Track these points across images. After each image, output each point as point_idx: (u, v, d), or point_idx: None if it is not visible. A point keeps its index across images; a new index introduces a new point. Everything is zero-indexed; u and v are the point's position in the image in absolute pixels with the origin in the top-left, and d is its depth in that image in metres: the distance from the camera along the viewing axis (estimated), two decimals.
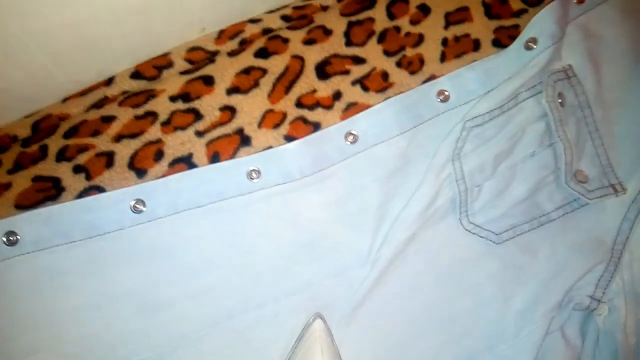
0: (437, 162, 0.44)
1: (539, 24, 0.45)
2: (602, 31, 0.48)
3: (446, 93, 0.45)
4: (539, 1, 0.49)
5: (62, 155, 0.41)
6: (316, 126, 0.44)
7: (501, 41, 0.48)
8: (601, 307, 0.44)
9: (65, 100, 0.43)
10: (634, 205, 0.45)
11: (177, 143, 0.42)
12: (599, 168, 0.46)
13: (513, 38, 0.46)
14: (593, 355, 0.46)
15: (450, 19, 0.48)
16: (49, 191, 0.40)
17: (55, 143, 0.41)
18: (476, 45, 0.47)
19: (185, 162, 0.42)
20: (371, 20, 0.47)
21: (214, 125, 0.43)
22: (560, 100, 0.46)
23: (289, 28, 0.46)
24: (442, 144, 0.44)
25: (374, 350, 0.43)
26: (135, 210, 0.38)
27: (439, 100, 0.45)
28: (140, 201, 0.39)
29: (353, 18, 0.47)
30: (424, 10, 0.48)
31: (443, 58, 0.47)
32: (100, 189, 0.40)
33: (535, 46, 0.45)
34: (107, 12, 0.38)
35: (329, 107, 0.44)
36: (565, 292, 0.44)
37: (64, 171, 0.40)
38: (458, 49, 0.47)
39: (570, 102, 0.46)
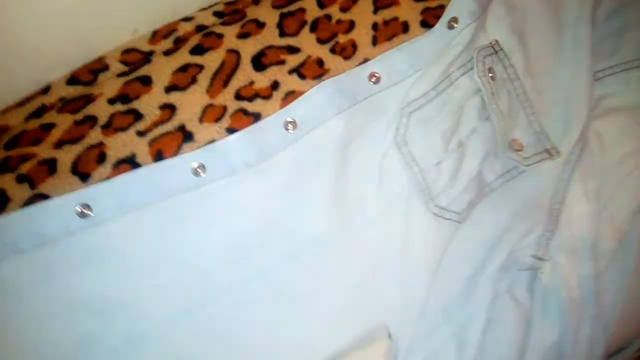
0: (382, 148, 0.46)
1: (459, 3, 0.47)
2: (526, 4, 0.51)
3: (377, 75, 0.46)
4: None
5: (5, 167, 0.41)
6: (257, 116, 0.45)
7: (428, 22, 0.49)
8: (545, 265, 0.46)
9: (3, 112, 0.43)
10: (567, 166, 0.48)
11: (119, 144, 0.42)
12: (533, 135, 0.49)
13: (439, 18, 0.48)
14: (541, 312, 0.49)
15: (378, 5, 0.49)
16: None
17: None
18: (405, 28, 0.49)
19: (129, 162, 0.42)
20: (302, 10, 0.48)
21: (155, 124, 0.43)
22: (491, 75, 0.48)
23: (222, 24, 0.47)
24: (382, 130, 0.46)
25: None
26: (81, 215, 0.39)
27: (371, 82, 0.46)
28: (86, 205, 0.39)
29: (285, 10, 0.48)
30: None
31: (375, 42, 0.48)
32: (45, 197, 0.40)
33: (456, 25, 0.47)
34: (31, 18, 0.38)
35: (267, 97, 0.45)
36: (507, 254, 0.46)
37: (7, 182, 0.40)
38: (388, 32, 0.49)
39: (500, 76, 0.49)
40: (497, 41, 0.49)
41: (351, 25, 0.48)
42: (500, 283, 0.48)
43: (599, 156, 0.48)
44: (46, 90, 0.44)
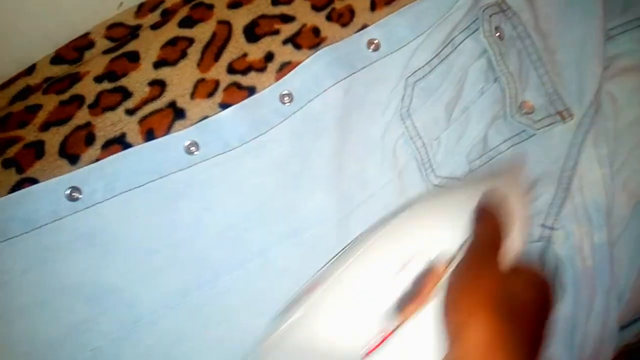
0: (383, 121, 0.44)
1: None
2: None
3: (376, 42, 0.44)
4: None
5: None
6: (251, 90, 0.43)
7: None
8: (556, 234, 0.44)
9: None
10: (580, 130, 0.45)
11: (107, 124, 0.41)
12: (545, 97, 0.46)
13: None
14: (553, 284, 0.47)
15: None
16: None
17: None
18: None
19: (119, 142, 0.40)
20: None
21: (145, 102, 0.41)
22: (498, 34, 0.45)
23: None
24: (383, 100, 0.44)
25: None
26: (71, 198, 0.37)
27: (370, 50, 0.44)
28: (75, 189, 0.37)
29: None
30: None
31: (373, 7, 0.46)
32: (33, 181, 0.39)
33: None
34: None
35: (262, 69, 0.43)
36: None
37: None
38: None
39: (509, 35, 0.46)
40: None
41: None
42: None
43: (612, 119, 0.45)
44: (30, 70, 0.42)
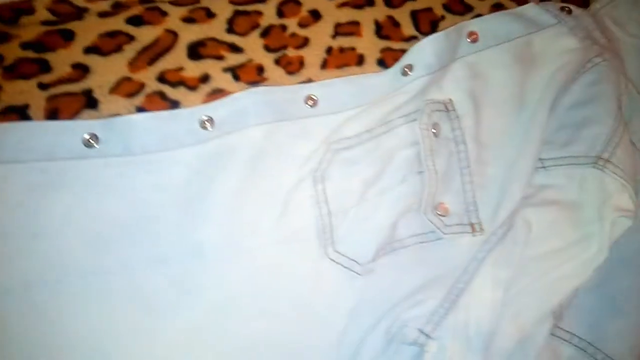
0: (296, 177, 0.43)
1: (417, 52, 0.45)
2: (490, 73, 0.48)
3: (315, 98, 0.43)
4: (432, 31, 0.49)
5: None
6: (175, 104, 0.42)
7: (386, 62, 0.47)
8: (430, 344, 0.42)
9: None
10: (485, 246, 0.44)
11: (16, 91, 0.39)
12: (463, 205, 0.46)
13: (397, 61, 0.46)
14: None
15: (339, 30, 0.47)
16: None
17: None
18: (360, 60, 0.47)
19: (19, 112, 0.39)
20: (259, 13, 0.46)
21: (61, 81, 0.40)
22: (434, 131, 0.45)
23: (171, 2, 0.44)
24: (302, 157, 0.43)
25: None
26: None
27: (306, 104, 0.43)
28: None
29: (241, 7, 0.46)
30: (315, 15, 0.47)
31: (324, 65, 0.46)
32: None
33: (410, 73, 0.45)
34: None
35: (193, 88, 0.43)
36: (395, 321, 0.42)
37: None
38: (341, 59, 0.46)
39: (445, 135, 0.46)
40: (451, 100, 0.47)
41: (305, 42, 0.46)
42: (385, 351, 0.44)
43: (522, 246, 0.44)
44: None
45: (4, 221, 0.36)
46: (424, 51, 0.45)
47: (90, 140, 0.38)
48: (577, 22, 0.50)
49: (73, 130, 0.38)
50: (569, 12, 0.51)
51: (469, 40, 0.48)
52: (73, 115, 0.40)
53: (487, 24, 0.49)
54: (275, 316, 0.42)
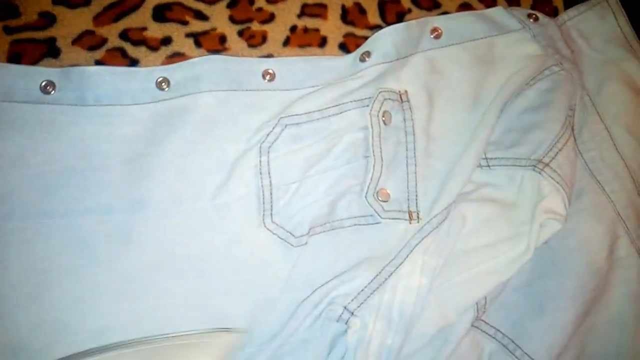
0: (244, 146, 0.44)
1: (377, 40, 0.47)
2: (449, 70, 0.50)
3: (272, 73, 0.45)
4: (398, 22, 0.50)
5: None
6: (133, 62, 0.44)
7: (348, 47, 0.49)
8: (353, 321, 0.44)
9: None
10: (419, 234, 0.46)
11: None
12: (404, 193, 0.47)
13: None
14: None
15: (306, 11, 0.48)
16: None
17: None
18: (322, 42, 0.48)
19: None
20: None
21: (27, 27, 0.42)
22: (383, 118, 0.46)
23: None
24: (251, 128, 0.44)
25: None
26: None
27: (263, 79, 0.45)
28: None
29: None
30: None
31: (286, 42, 0.47)
32: None
33: (368, 59, 0.46)
34: None
35: (154, 48, 0.44)
36: (322, 296, 0.44)
37: None
38: (304, 39, 0.48)
39: (396, 124, 0.47)
40: (407, 91, 0.48)
41: (271, 17, 0.47)
42: (313, 324, 0.45)
43: (454, 238, 0.46)
44: None
45: None
46: (383, 40, 0.46)
47: (47, 87, 0.40)
48: (542, 30, 0.52)
49: (32, 76, 0.40)
50: (536, 19, 0.52)
51: (432, 35, 0.50)
52: (34, 61, 0.41)
53: (452, 22, 0.50)
54: (207, 277, 0.43)
